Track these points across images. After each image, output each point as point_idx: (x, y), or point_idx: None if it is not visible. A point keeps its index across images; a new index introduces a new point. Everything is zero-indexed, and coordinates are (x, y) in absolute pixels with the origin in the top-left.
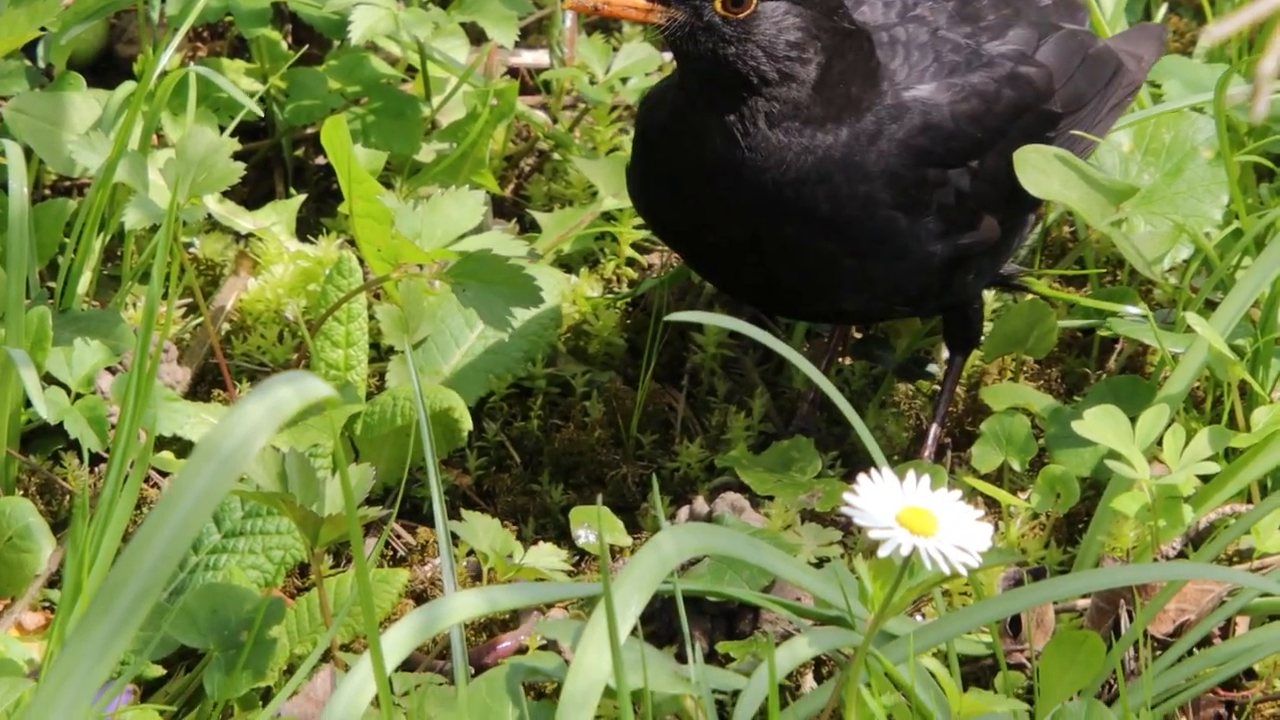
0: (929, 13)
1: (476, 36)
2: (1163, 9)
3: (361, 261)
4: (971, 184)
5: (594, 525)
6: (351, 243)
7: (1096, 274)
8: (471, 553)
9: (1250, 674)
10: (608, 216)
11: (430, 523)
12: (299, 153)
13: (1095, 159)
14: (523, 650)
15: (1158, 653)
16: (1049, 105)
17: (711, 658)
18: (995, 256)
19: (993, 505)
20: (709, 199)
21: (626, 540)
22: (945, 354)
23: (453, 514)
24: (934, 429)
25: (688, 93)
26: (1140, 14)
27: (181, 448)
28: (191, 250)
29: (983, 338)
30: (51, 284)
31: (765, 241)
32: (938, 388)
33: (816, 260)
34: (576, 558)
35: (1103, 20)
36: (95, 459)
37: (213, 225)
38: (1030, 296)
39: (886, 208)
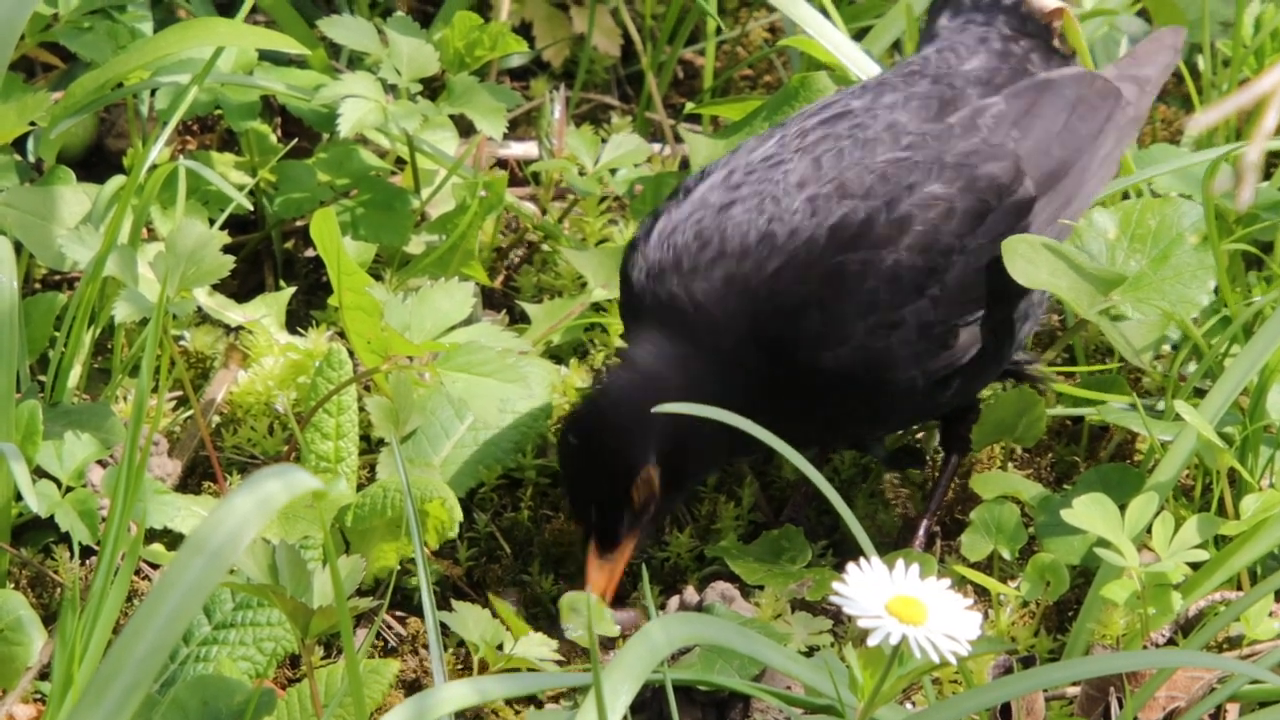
0: (893, 129)
1: (465, 128)
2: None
3: (351, 354)
4: (935, 310)
5: (582, 615)
6: (341, 335)
7: (1086, 363)
8: (462, 643)
9: None
10: (597, 307)
11: (421, 613)
12: (289, 245)
13: (1079, 241)
14: None
15: None
16: (1018, 195)
17: None
18: (991, 360)
19: (982, 593)
20: None
21: (615, 630)
22: (935, 442)
23: (444, 604)
24: (925, 521)
25: None
26: None
27: (172, 540)
28: (182, 343)
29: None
30: (42, 378)
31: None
32: (927, 477)
33: (822, 427)
34: (567, 647)
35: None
36: (86, 552)
37: (203, 318)
38: (1025, 385)
39: (846, 368)
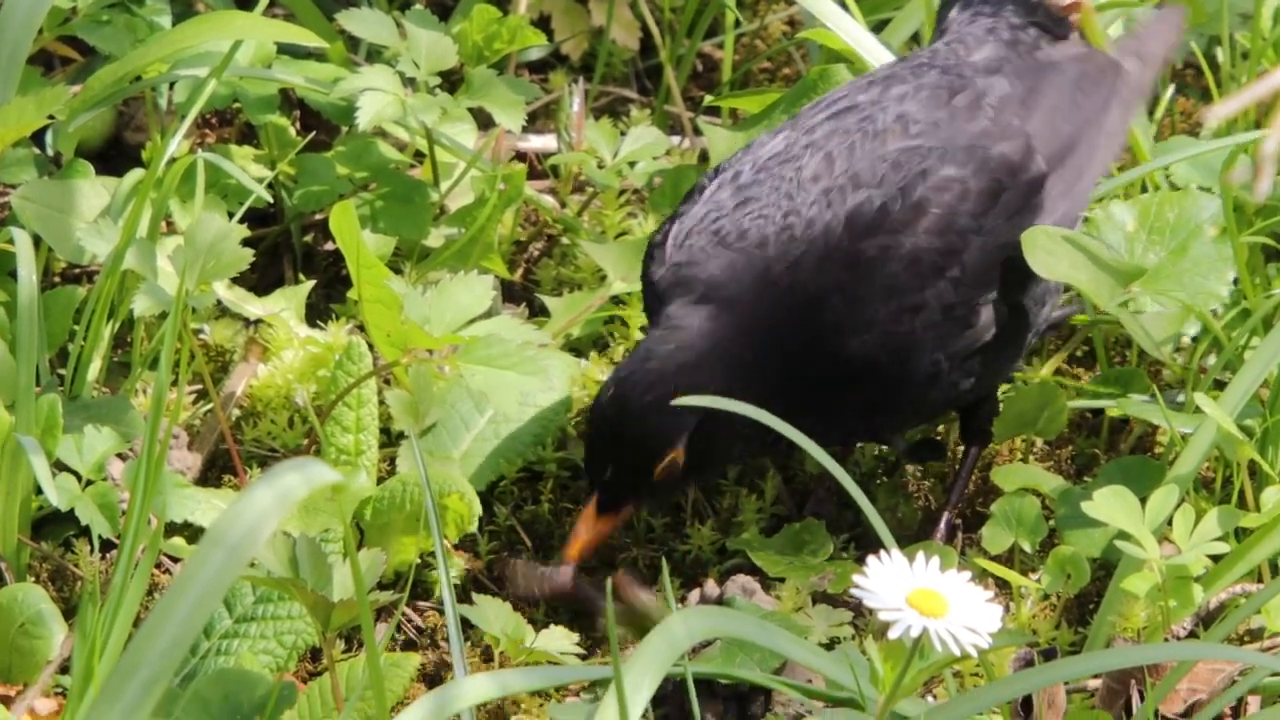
0: (904, 119)
1: (484, 121)
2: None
3: (371, 347)
4: (956, 291)
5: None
6: (361, 328)
7: (1106, 357)
8: (483, 636)
9: None
10: (617, 300)
11: (441, 606)
12: (308, 238)
13: (1097, 233)
14: None
15: None
16: (1030, 172)
17: None
18: (1010, 345)
19: (1003, 586)
20: None
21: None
22: (955, 434)
23: (464, 598)
24: (946, 514)
25: None
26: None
27: (192, 533)
28: (201, 336)
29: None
30: (61, 371)
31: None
32: (948, 470)
33: (842, 414)
34: (589, 640)
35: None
36: (106, 545)
37: (222, 311)
38: (1040, 378)
39: (870, 357)
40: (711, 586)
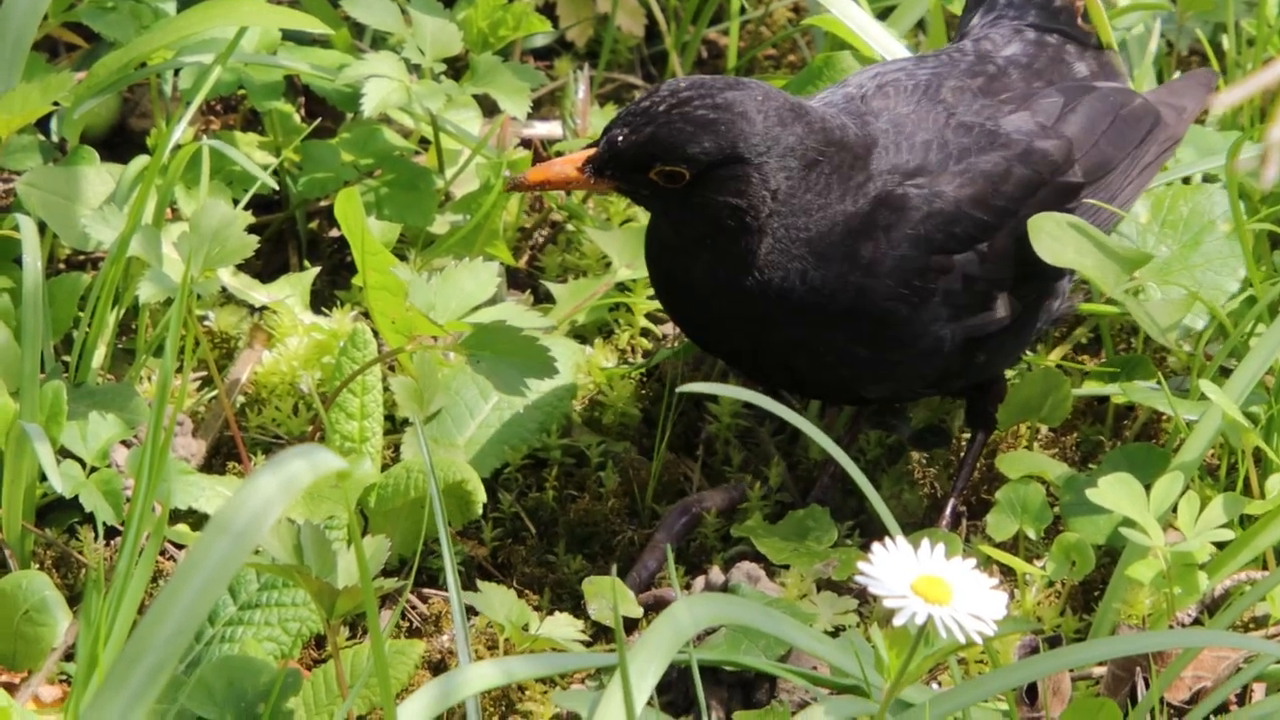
0: (951, 95)
1: (489, 108)
2: (1175, 76)
3: (376, 334)
4: (981, 267)
5: (608, 597)
6: (366, 315)
7: (1112, 344)
8: (489, 623)
9: None
10: (621, 287)
11: (446, 593)
12: (313, 225)
13: (1115, 228)
14: None
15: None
16: (1067, 177)
17: None
18: (1018, 334)
19: (1008, 573)
20: (709, 317)
21: (639, 611)
22: (961, 421)
23: (469, 585)
24: (951, 502)
25: (664, 232)
26: (1155, 80)
27: (197, 520)
28: (206, 323)
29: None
30: (66, 358)
31: (774, 346)
32: (954, 457)
33: (830, 356)
34: (594, 628)
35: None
36: (110, 532)
37: (227, 298)
38: (1045, 364)
39: (885, 299)
40: (716, 573)
